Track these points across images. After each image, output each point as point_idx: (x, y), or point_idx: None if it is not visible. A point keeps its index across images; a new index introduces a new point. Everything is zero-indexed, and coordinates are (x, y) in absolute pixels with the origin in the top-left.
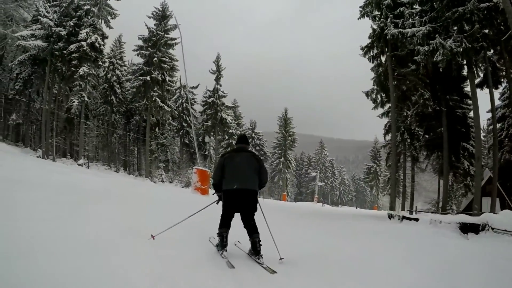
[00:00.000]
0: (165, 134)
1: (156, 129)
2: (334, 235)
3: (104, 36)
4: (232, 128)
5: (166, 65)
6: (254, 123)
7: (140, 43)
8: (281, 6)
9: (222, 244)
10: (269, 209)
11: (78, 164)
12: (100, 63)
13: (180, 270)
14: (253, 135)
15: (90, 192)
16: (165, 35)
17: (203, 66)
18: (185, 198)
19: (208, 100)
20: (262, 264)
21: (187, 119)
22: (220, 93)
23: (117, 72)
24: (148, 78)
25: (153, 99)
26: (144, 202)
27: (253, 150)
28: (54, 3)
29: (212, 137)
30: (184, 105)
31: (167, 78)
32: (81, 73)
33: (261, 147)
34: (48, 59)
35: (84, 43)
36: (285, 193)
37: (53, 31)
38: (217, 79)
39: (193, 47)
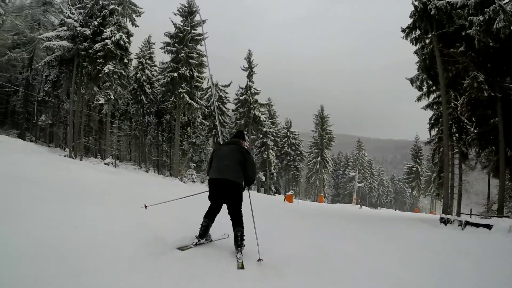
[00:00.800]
0: (197, 133)
1: (188, 129)
2: (383, 251)
3: (129, 34)
4: (266, 126)
5: (193, 61)
6: (289, 122)
7: (167, 39)
8: (306, 4)
9: (199, 233)
10: (303, 212)
11: (105, 163)
12: (126, 61)
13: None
14: (288, 134)
15: (80, 190)
16: (192, 31)
17: (235, 66)
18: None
19: (240, 98)
20: (238, 259)
21: (220, 118)
22: (252, 90)
23: (147, 72)
24: (175, 74)
25: (181, 95)
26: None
27: (289, 150)
28: (80, 5)
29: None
30: (217, 104)
31: (195, 74)
32: (106, 71)
33: (297, 146)
34: (75, 59)
35: (108, 41)
36: (322, 194)
37: (78, 31)
38: (249, 76)
39: (223, 49)
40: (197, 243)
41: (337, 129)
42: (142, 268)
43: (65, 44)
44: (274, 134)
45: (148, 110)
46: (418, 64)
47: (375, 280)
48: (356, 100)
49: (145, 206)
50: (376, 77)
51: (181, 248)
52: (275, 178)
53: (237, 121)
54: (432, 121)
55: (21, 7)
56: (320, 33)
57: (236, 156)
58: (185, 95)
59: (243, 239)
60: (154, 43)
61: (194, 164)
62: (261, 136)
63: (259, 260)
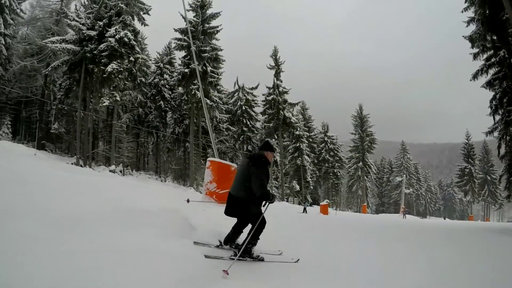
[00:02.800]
0: (221, 138)
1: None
2: None
3: (135, 32)
4: (299, 129)
5: (206, 55)
6: (326, 126)
7: (178, 35)
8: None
9: (224, 238)
10: (344, 226)
11: (110, 171)
12: (132, 59)
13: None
14: (325, 139)
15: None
16: (205, 24)
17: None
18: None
19: (268, 98)
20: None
21: (248, 122)
22: (280, 89)
23: (166, 76)
24: (186, 70)
25: (192, 92)
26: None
27: (327, 156)
28: (90, 11)
29: (274, 140)
30: (244, 108)
31: (209, 68)
32: (109, 70)
33: (335, 152)
34: (83, 63)
35: (112, 39)
36: (365, 203)
37: (84, 34)
38: (277, 74)
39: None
40: (218, 246)
41: (377, 136)
42: None
43: (70, 47)
44: (310, 140)
45: (165, 114)
46: (476, 18)
47: None
48: (396, 105)
49: (188, 200)
50: (416, 80)
51: (207, 256)
52: (311, 187)
53: (266, 124)
54: (495, 103)
55: (34, 18)
56: (359, 34)
57: (245, 172)
58: (197, 92)
59: (248, 247)
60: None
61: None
62: (294, 140)
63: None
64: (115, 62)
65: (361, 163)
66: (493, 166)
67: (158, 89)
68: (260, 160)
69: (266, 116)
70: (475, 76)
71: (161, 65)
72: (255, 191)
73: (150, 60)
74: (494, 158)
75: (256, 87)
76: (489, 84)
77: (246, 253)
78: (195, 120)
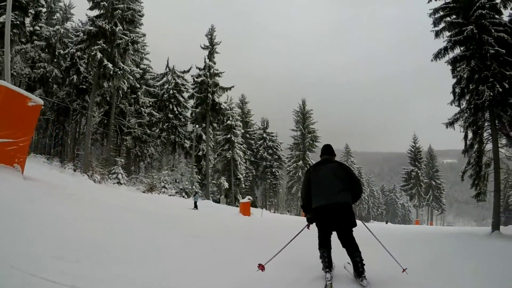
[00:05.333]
0: (140, 121)
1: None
2: None
3: None
4: (232, 119)
5: (119, 11)
6: (266, 122)
7: None
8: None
9: (325, 265)
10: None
11: None
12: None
13: None
14: (264, 135)
15: None
16: None
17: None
18: None
19: (197, 80)
20: (364, 285)
21: (175, 109)
22: (212, 71)
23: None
24: (92, 28)
25: (93, 53)
26: None
27: (266, 154)
28: None
29: (192, 126)
30: (172, 92)
31: (118, 28)
32: None
33: (274, 149)
34: None
35: None
36: None
37: None
38: (210, 55)
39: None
40: (331, 279)
41: (320, 144)
42: None
43: None
44: (248, 136)
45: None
46: None
47: None
48: (340, 112)
49: (262, 267)
50: (362, 90)
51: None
52: (244, 185)
53: (193, 109)
54: (462, 85)
55: None
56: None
57: (341, 175)
58: (98, 53)
59: (364, 264)
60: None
61: (122, 160)
62: (225, 131)
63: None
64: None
65: (301, 162)
66: (438, 172)
67: (74, 61)
68: (343, 163)
69: (194, 100)
70: (437, 56)
71: (80, 33)
72: (358, 192)
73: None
74: (438, 164)
75: (188, 71)
76: (455, 62)
77: (363, 263)
78: (100, 93)
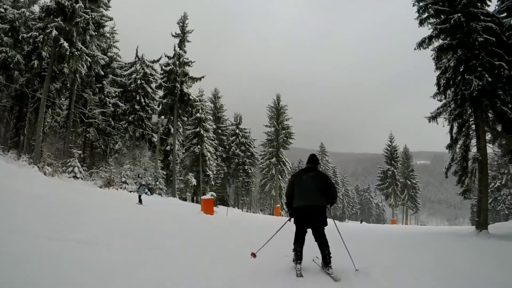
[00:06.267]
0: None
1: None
2: None
3: None
4: (201, 111)
5: None
6: (239, 117)
7: None
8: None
9: (296, 258)
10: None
11: None
12: None
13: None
14: (237, 131)
15: None
16: None
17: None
18: None
19: (165, 69)
20: (331, 274)
21: (142, 100)
22: (182, 59)
23: None
24: (49, 4)
25: (49, 31)
26: None
27: (238, 151)
28: None
29: (156, 117)
30: (140, 83)
31: (78, 5)
32: None
33: (247, 146)
34: None
35: None
36: (279, 205)
37: None
38: (181, 43)
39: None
40: (301, 270)
41: (295, 144)
42: None
43: None
44: (220, 131)
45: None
46: None
47: None
48: (314, 114)
49: (254, 255)
50: (337, 92)
51: (297, 275)
52: (213, 183)
53: (161, 100)
54: (449, 75)
55: None
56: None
57: (320, 183)
58: (54, 31)
59: (331, 257)
60: None
61: (79, 152)
62: (195, 124)
63: (356, 270)
64: None
65: (274, 159)
66: (413, 171)
67: (36, 45)
68: (323, 172)
69: (162, 90)
70: (420, 44)
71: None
72: (334, 198)
73: None
74: (413, 164)
75: (159, 60)
76: (441, 50)
77: (330, 256)
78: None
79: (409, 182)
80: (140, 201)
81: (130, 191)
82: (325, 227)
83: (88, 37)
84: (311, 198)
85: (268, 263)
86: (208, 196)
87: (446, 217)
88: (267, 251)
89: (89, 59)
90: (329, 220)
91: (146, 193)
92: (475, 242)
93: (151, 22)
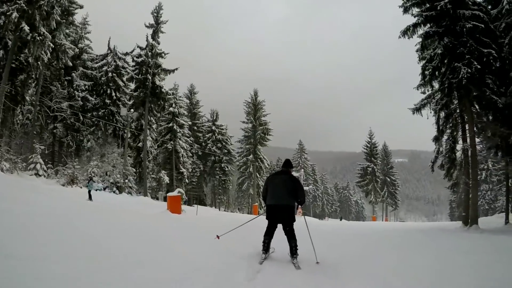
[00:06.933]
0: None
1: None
2: None
3: None
4: (175, 105)
5: None
6: (215, 113)
7: None
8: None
9: (264, 248)
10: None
11: None
12: None
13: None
14: (213, 128)
15: None
16: None
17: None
18: None
19: (137, 60)
20: (294, 264)
21: (113, 94)
22: (155, 50)
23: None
24: None
25: (9, 13)
26: None
27: (214, 148)
28: None
29: (126, 110)
30: (111, 76)
31: None
32: None
33: (224, 143)
34: None
35: None
36: (257, 204)
37: None
38: (154, 34)
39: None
40: (265, 258)
41: (273, 143)
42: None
43: None
44: (195, 128)
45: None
46: None
47: None
48: (292, 113)
49: (218, 237)
50: (315, 92)
51: (260, 262)
52: (187, 180)
53: (133, 93)
54: (434, 64)
55: None
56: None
57: (289, 185)
58: (15, 13)
59: (297, 249)
60: None
61: (42, 148)
62: (169, 119)
63: (317, 262)
64: None
65: (252, 156)
66: (392, 168)
67: (1, 35)
68: (294, 176)
69: (133, 83)
70: (405, 32)
71: None
72: (301, 199)
73: None
74: (393, 161)
75: (132, 52)
76: (427, 37)
77: (297, 248)
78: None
79: (388, 179)
80: (90, 197)
81: (96, 190)
82: (293, 224)
83: (53, 23)
84: (280, 198)
85: (239, 249)
86: (174, 193)
87: (424, 214)
88: (241, 242)
89: (51, 45)
90: (310, 219)
91: (97, 189)
92: (470, 238)
93: (127, 13)
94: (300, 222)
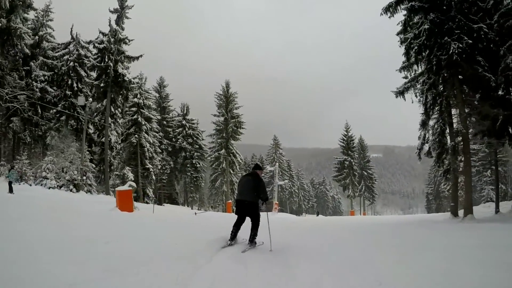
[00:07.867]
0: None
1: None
2: None
3: None
4: (140, 96)
5: None
6: (186, 107)
7: None
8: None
9: (231, 236)
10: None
11: None
12: None
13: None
14: (184, 122)
15: None
16: None
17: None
18: None
19: (99, 46)
20: (247, 247)
21: (75, 85)
22: (118, 36)
23: None
24: None
25: None
26: None
27: (185, 143)
28: None
29: (83, 100)
30: (73, 65)
31: None
32: None
33: (195, 138)
34: None
35: None
36: (231, 201)
37: None
38: (119, 19)
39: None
40: (230, 244)
41: (247, 140)
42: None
43: None
44: (165, 123)
45: None
46: None
47: None
48: (265, 110)
49: (195, 213)
50: (290, 87)
51: (223, 247)
52: (155, 177)
53: (89, 81)
54: (420, 41)
55: None
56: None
57: (251, 184)
58: None
59: (255, 237)
60: None
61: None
62: (133, 111)
63: (270, 250)
64: None
65: (224, 150)
66: (369, 162)
67: None
68: (260, 176)
69: (95, 71)
70: (387, 9)
71: None
72: (263, 196)
73: None
74: (369, 154)
75: (97, 39)
76: (412, 11)
77: (255, 241)
78: None
79: (365, 173)
80: (10, 189)
81: (50, 187)
82: (259, 217)
83: (7, 3)
84: (245, 195)
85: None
86: (125, 187)
87: (400, 207)
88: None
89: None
90: (287, 215)
91: (17, 180)
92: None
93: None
94: (264, 219)
